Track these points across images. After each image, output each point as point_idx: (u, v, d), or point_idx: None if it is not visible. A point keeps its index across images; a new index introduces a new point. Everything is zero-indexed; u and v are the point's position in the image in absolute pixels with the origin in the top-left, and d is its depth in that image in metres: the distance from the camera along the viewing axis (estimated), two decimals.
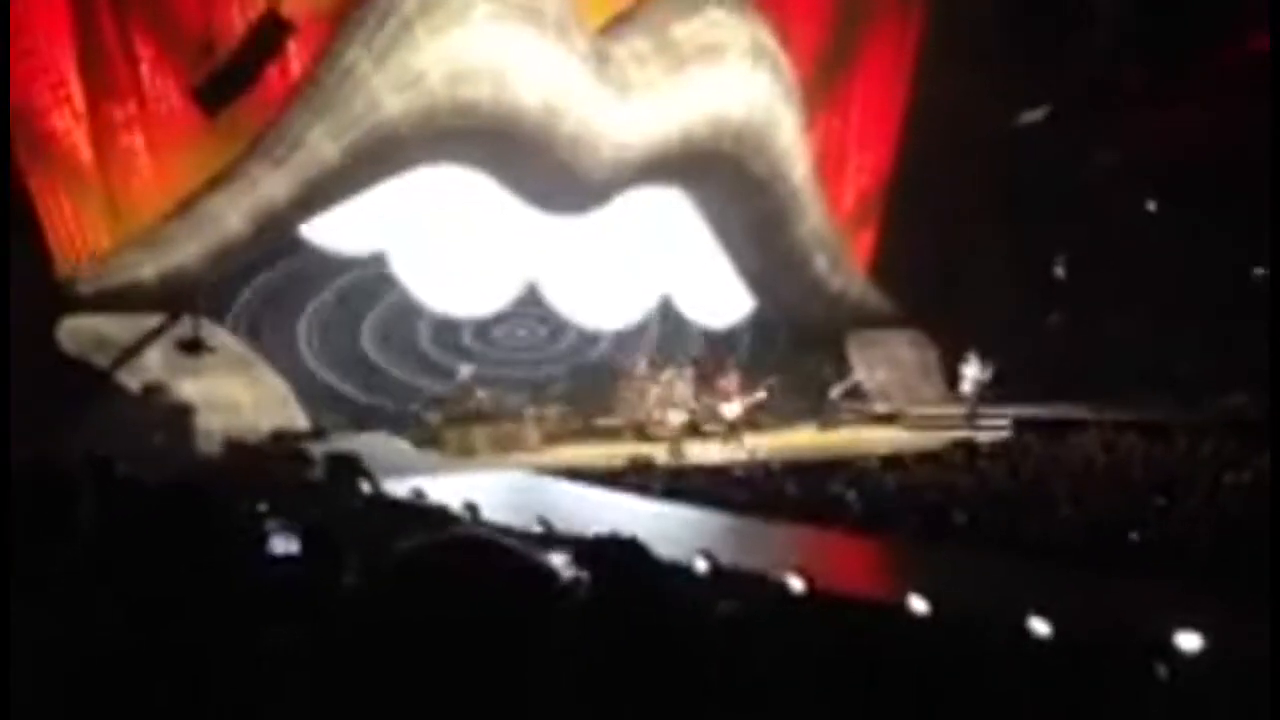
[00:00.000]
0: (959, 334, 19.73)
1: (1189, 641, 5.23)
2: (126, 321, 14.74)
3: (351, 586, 2.27)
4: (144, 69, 15.16)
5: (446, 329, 18.57)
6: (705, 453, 16.33)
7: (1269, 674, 4.79)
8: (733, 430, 17.20)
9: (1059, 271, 21.41)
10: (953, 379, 19.49)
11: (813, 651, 3.62)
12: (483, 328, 18.83)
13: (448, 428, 16.46)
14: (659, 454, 15.60)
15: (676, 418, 17.65)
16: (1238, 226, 18.62)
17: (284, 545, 3.06)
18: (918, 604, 5.77)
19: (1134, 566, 7.87)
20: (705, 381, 18.74)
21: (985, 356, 18.61)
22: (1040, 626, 5.40)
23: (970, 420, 17.75)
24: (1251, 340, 17.99)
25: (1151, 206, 20.75)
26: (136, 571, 1.82)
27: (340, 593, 2.25)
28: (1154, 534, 8.75)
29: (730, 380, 17.96)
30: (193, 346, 14.63)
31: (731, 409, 17.49)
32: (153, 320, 14.90)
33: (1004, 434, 16.76)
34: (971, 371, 18.69)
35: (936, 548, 8.92)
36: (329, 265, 17.36)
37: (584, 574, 1.26)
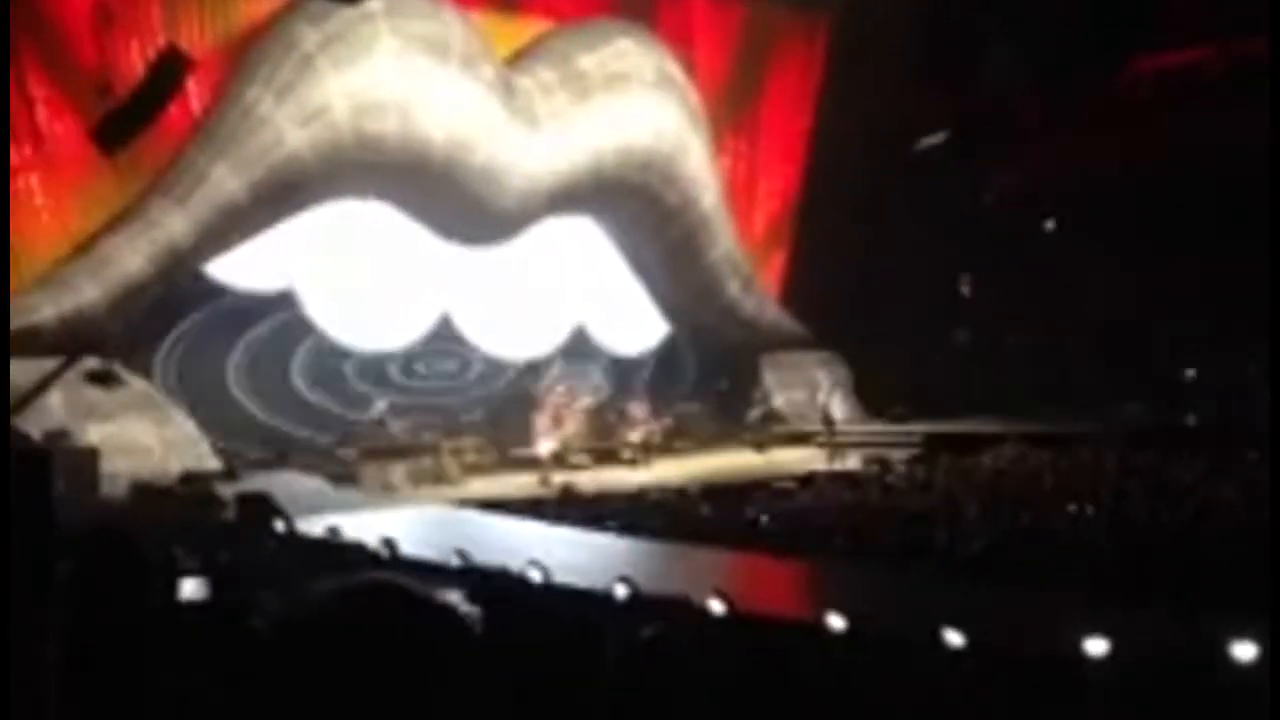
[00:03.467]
0: (869, 353, 20.07)
1: (1097, 647, 5.37)
2: (26, 365, 14.33)
3: (259, 630, 2.24)
4: (39, 110, 14.82)
5: (360, 364, 18.37)
6: (616, 479, 16.34)
7: (1176, 677, 4.93)
8: (644, 455, 17.31)
9: (964, 290, 21.90)
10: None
11: (732, 671, 3.65)
12: (397, 361, 18.66)
13: (365, 463, 16.26)
14: (575, 481, 15.59)
15: (591, 445, 17.75)
16: (1129, 243, 19.24)
17: (193, 590, 3.01)
18: (835, 621, 5.84)
19: (1045, 576, 8.04)
20: (618, 409, 18.84)
21: (835, 385, 18.54)
22: (954, 637, 5.50)
23: (832, 446, 17.45)
24: (1143, 352, 18.62)
25: (1049, 225, 21.36)
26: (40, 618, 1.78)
27: (247, 637, 2.23)
28: (1064, 543, 8.96)
29: (639, 407, 18.09)
30: (104, 379, 14.26)
31: (639, 435, 17.67)
32: (53, 364, 14.50)
33: (914, 450, 17.01)
34: (824, 398, 18.46)
35: (853, 566, 9.02)
36: (237, 304, 17.09)
37: (476, 609, 1.27)
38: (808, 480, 14.47)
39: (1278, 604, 5.52)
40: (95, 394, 14.41)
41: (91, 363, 14.41)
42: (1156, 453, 13.61)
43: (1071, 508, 10.50)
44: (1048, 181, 20.60)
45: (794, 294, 20.91)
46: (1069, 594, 7.26)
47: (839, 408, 18.23)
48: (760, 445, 18.77)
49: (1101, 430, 15.95)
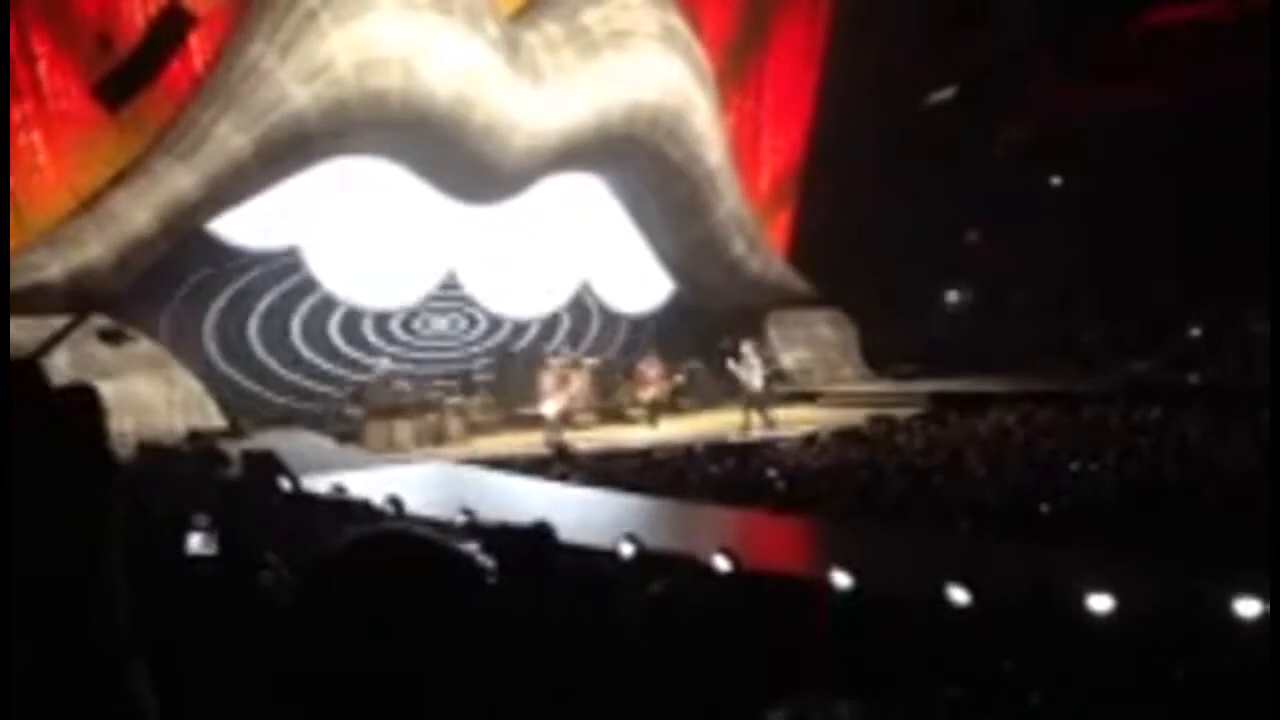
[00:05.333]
0: (876, 311, 20.02)
1: (1101, 604, 5.38)
2: (34, 323, 14.33)
3: (267, 585, 2.26)
4: (41, 66, 14.74)
5: (360, 321, 18.36)
6: (621, 437, 16.38)
7: (1179, 633, 4.95)
8: (653, 415, 17.31)
9: (971, 238, 21.80)
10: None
11: (737, 627, 3.67)
12: (401, 319, 18.65)
13: (369, 422, 16.29)
14: (574, 440, 15.65)
15: (594, 405, 17.81)
16: (1138, 198, 19.13)
17: (200, 545, 3.02)
18: (840, 578, 5.85)
19: (1051, 533, 8.06)
20: (625, 367, 18.84)
21: (755, 351, 17.39)
22: (959, 595, 5.52)
23: (765, 419, 16.51)
24: (1150, 309, 18.54)
25: (1056, 181, 21.23)
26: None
27: (256, 592, 2.24)
28: (1069, 501, 8.97)
29: (650, 365, 18.09)
30: (114, 337, 14.27)
31: (649, 393, 17.66)
32: (61, 322, 14.49)
33: (921, 409, 17.01)
34: (752, 365, 17.11)
35: (858, 523, 9.05)
36: (242, 261, 17.08)
37: (490, 561, 1.27)
38: (812, 438, 14.48)
39: (1277, 584, 5.53)
40: (102, 352, 14.42)
41: (100, 321, 14.42)
42: (1162, 410, 13.61)
43: (1075, 465, 10.51)
44: (1057, 136, 20.46)
45: (800, 252, 20.83)
46: (1075, 551, 7.28)
47: (758, 377, 17.11)
48: (765, 404, 18.74)
49: (1107, 388, 15.94)
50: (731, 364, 17.15)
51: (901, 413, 16.29)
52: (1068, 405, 14.69)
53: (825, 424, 16.00)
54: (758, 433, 16.04)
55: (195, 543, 3.03)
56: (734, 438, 15.69)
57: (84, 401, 1.16)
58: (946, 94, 20.25)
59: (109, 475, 1.12)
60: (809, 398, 19.36)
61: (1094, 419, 13.79)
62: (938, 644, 4.77)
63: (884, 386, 19.39)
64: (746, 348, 17.18)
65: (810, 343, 20.86)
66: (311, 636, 1.22)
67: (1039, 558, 7.10)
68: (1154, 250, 18.94)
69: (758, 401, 16.72)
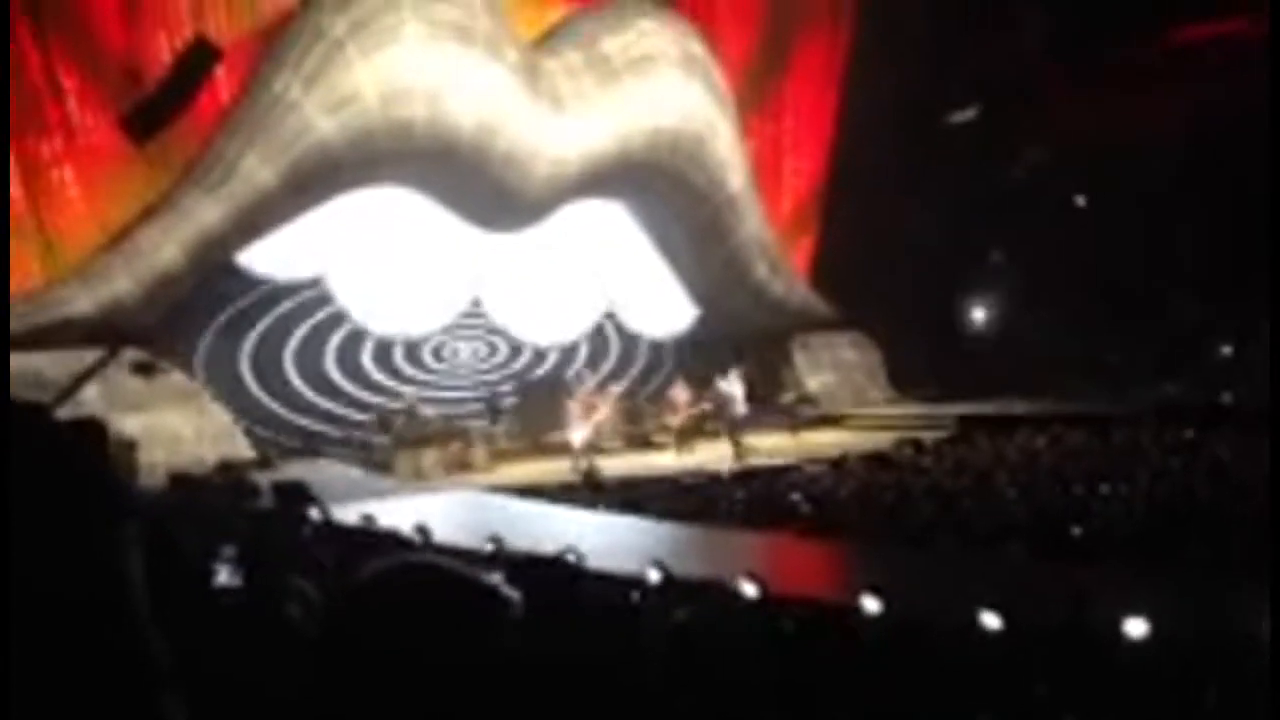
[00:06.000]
0: (901, 333, 19.95)
1: (1136, 628, 5.32)
2: (65, 357, 14.48)
3: (294, 616, 2.27)
4: (70, 102, 14.96)
5: (388, 349, 18.45)
6: (649, 463, 16.35)
7: (1211, 656, 4.88)
8: (682, 441, 17.27)
9: (995, 258, 21.71)
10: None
11: (764, 653, 3.64)
12: (427, 347, 18.73)
13: (396, 451, 16.33)
14: (603, 466, 15.62)
15: (622, 432, 17.79)
16: (1163, 216, 19.01)
17: (228, 577, 3.03)
18: (869, 603, 5.81)
19: (1082, 556, 7.98)
20: (653, 393, 18.84)
21: (738, 369, 17.33)
22: (990, 620, 5.46)
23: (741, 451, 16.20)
24: (1178, 329, 18.38)
25: (1080, 201, 21.13)
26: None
27: (282, 622, 2.25)
28: (1100, 523, 8.89)
29: (680, 391, 18.06)
30: (147, 369, 14.43)
31: (677, 419, 17.64)
32: (91, 356, 14.65)
33: (947, 431, 16.91)
34: (731, 388, 16.96)
35: (886, 547, 8.99)
36: (269, 292, 17.21)
37: (516, 593, 1.28)
38: (839, 462, 14.42)
39: (1277, 594, 5.45)
40: (132, 385, 14.57)
41: (132, 354, 14.57)
42: (1194, 431, 13.49)
43: (1106, 488, 10.41)
44: (1079, 152, 20.38)
45: (823, 275, 20.81)
46: (1107, 573, 7.21)
47: (739, 404, 16.82)
48: (793, 428, 18.69)
49: (1137, 409, 15.81)
50: (721, 384, 17.11)
51: (929, 435, 16.19)
52: (1098, 427, 14.57)
53: (852, 447, 15.90)
54: (732, 464, 15.59)
55: (223, 574, 3.05)
56: (720, 467, 15.47)
57: (91, 437, 1.18)
58: (968, 114, 20.22)
59: (118, 507, 1.14)
60: (835, 421, 19.30)
61: (1125, 441, 13.67)
62: (969, 669, 4.72)
63: (910, 409, 19.29)
64: (733, 374, 17.12)
65: (835, 366, 20.81)
66: (337, 667, 1.22)
67: (1071, 580, 7.02)
68: (1179, 267, 18.81)
69: (734, 428, 16.64)
